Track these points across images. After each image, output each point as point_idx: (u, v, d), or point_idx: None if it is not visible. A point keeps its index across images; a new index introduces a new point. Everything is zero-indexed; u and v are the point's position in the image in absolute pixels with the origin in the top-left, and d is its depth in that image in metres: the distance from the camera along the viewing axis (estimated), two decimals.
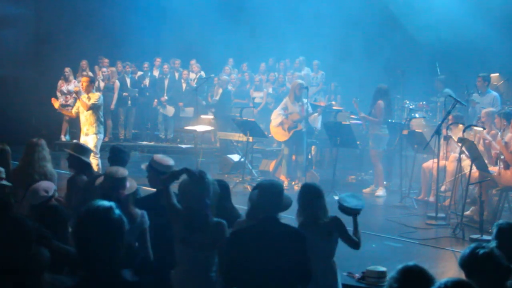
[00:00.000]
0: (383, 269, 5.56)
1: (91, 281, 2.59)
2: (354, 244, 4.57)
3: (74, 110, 9.54)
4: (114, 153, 5.74)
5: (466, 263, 3.12)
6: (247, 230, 3.98)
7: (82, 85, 9.41)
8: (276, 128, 10.28)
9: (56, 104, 9.54)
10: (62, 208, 4.46)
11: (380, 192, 9.88)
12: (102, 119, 9.43)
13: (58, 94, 13.27)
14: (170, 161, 4.98)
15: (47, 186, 4.96)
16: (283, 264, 3.78)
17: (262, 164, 11.37)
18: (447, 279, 2.57)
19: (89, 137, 9.17)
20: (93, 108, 9.14)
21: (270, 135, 10.99)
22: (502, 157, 7.72)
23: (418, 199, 9.25)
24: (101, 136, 9.40)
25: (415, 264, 2.77)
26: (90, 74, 13.35)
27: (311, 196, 4.42)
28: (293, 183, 10.35)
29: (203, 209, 4.04)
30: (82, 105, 9.16)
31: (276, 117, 10.29)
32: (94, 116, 9.20)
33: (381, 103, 9.66)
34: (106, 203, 2.67)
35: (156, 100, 14.28)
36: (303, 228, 4.33)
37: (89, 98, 9.20)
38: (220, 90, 14.16)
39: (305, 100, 10.15)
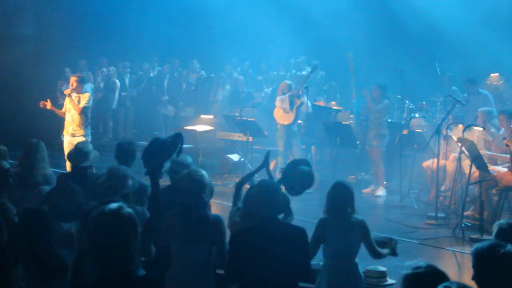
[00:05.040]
0: (383, 269, 5.57)
1: (108, 280, 2.63)
2: (375, 253, 4.61)
3: (63, 110, 9.14)
4: (121, 150, 5.77)
5: (484, 256, 3.07)
6: (249, 230, 4.00)
7: (72, 84, 9.06)
8: (279, 112, 10.24)
9: (48, 105, 9.08)
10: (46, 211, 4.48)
11: (380, 192, 9.87)
12: (89, 120, 9.18)
13: (58, 94, 13.28)
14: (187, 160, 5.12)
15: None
16: (286, 262, 3.83)
17: None
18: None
19: (76, 139, 8.75)
20: (86, 110, 8.94)
21: (277, 133, 10.82)
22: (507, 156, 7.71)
23: (429, 201, 8.97)
24: (89, 138, 9.08)
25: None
26: (80, 74, 13.28)
27: (342, 193, 4.52)
28: None
29: (200, 205, 4.07)
30: (74, 108, 8.88)
31: (281, 101, 10.25)
32: (83, 117, 8.95)
33: (387, 102, 9.90)
34: (115, 204, 2.73)
35: (154, 87, 14.18)
36: (326, 223, 4.46)
37: (78, 98, 8.94)
38: (220, 90, 14.16)
39: (305, 98, 10.26)
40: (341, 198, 4.53)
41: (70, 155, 6.06)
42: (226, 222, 4.52)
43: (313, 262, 5.24)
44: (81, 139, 8.86)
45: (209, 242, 4.11)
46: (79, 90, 9.05)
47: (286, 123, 10.25)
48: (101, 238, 2.64)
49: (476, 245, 3.16)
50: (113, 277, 2.62)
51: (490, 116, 8.51)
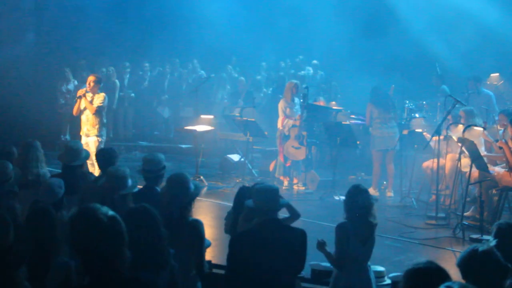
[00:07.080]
0: (381, 268, 5.57)
1: (98, 285, 2.53)
2: None
3: (75, 111, 9.08)
4: (101, 156, 5.78)
5: (465, 261, 3.10)
6: (249, 232, 3.99)
7: (89, 84, 8.95)
8: (290, 149, 10.13)
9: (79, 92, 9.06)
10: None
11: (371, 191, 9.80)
12: (105, 121, 9.13)
13: (58, 94, 13.28)
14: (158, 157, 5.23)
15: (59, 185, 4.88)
16: (286, 263, 3.83)
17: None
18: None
19: (90, 139, 8.89)
20: (100, 110, 8.91)
21: (275, 135, 10.86)
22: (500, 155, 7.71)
23: (430, 202, 8.91)
24: (103, 138, 9.07)
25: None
26: (97, 75, 13.30)
27: (361, 195, 4.47)
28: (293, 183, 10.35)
29: (178, 208, 4.06)
30: (88, 108, 8.83)
31: (283, 122, 10.21)
32: (97, 117, 8.91)
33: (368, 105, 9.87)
34: (93, 206, 2.57)
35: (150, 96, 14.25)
36: (346, 228, 4.40)
37: (92, 98, 8.88)
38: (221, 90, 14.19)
39: (296, 99, 10.28)
40: (361, 203, 4.45)
41: (60, 155, 6.08)
42: (222, 223, 4.52)
43: (325, 264, 5.26)
44: (95, 139, 8.86)
45: (189, 245, 4.06)
46: (95, 90, 8.97)
47: (302, 157, 10.15)
48: (80, 244, 2.51)
49: (457, 257, 3.21)
50: (102, 279, 2.53)
51: (470, 115, 8.47)
